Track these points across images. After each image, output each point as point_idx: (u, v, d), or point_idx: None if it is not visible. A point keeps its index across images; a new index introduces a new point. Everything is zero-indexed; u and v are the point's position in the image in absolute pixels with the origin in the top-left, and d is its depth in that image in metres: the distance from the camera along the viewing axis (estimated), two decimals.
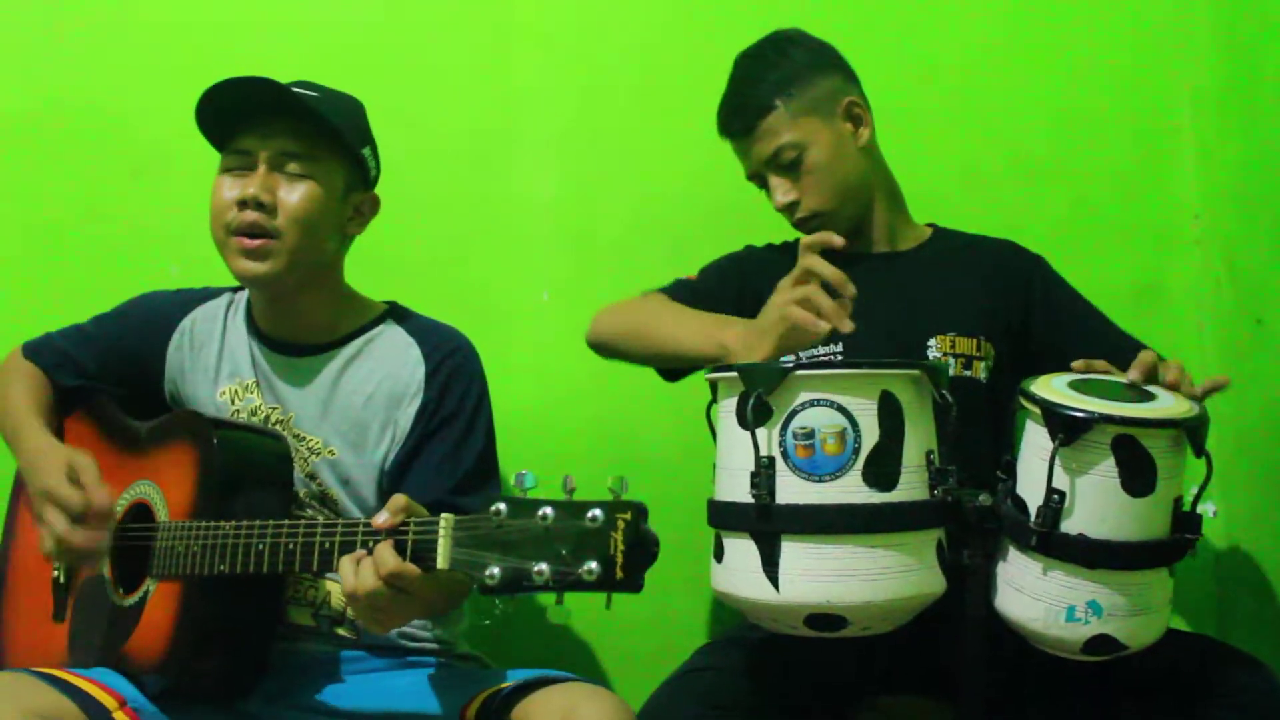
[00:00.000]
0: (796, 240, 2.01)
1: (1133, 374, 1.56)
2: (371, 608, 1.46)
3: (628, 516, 1.29)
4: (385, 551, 1.44)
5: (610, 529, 1.29)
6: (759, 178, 1.97)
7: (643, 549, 1.29)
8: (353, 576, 1.45)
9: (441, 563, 1.39)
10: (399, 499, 1.48)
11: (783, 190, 1.92)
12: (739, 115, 1.95)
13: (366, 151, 1.83)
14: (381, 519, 1.46)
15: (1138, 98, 2.34)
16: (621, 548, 1.28)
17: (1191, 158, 2.30)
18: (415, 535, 1.43)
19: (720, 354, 1.64)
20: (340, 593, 1.72)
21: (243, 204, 1.72)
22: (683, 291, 1.94)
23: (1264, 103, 2.08)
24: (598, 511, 1.29)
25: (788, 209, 1.93)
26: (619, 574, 1.28)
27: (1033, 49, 2.37)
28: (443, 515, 1.41)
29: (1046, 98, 2.36)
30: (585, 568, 1.28)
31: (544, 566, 1.30)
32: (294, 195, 1.73)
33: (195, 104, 1.74)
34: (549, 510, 1.31)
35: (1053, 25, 2.38)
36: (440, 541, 1.40)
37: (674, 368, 1.89)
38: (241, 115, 1.75)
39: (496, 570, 1.32)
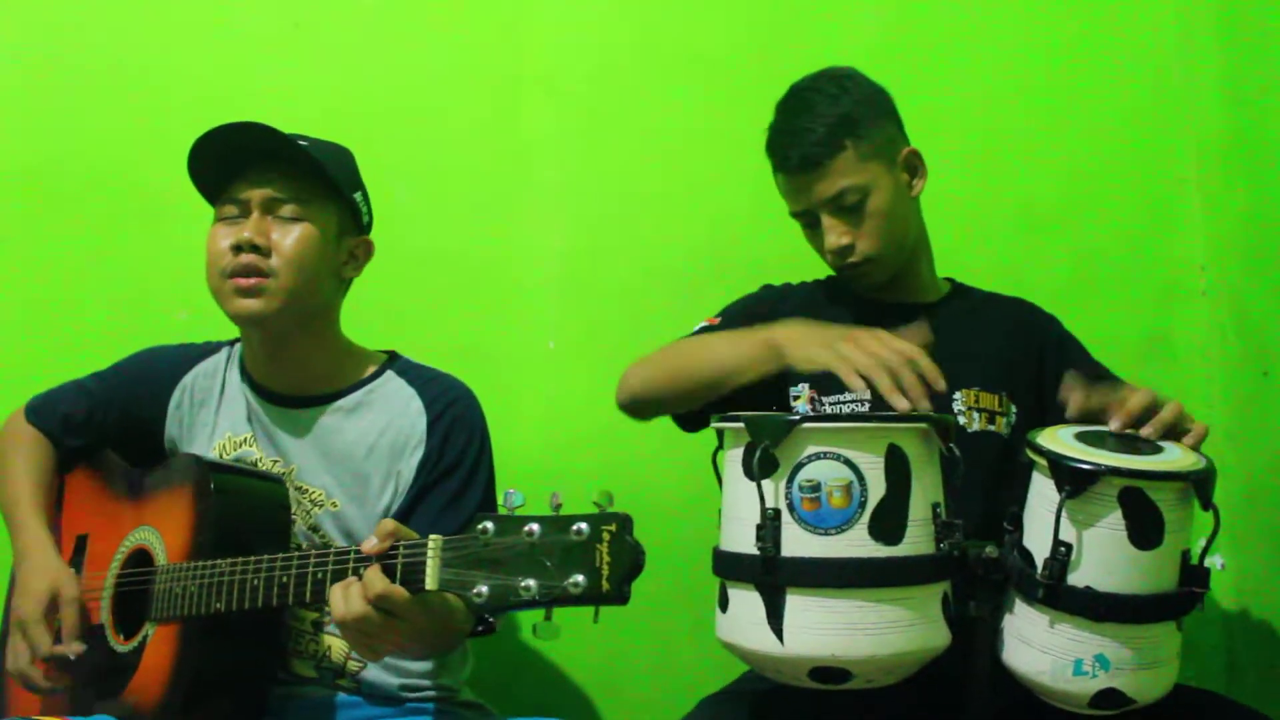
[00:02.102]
0: (820, 280, 2.02)
1: (1113, 424, 1.57)
2: (361, 633, 1.45)
3: (613, 528, 1.29)
4: (373, 575, 1.43)
5: (596, 541, 1.29)
6: (809, 215, 1.90)
7: (629, 560, 1.29)
8: (341, 603, 1.44)
9: (430, 583, 1.38)
10: (387, 523, 1.47)
11: (838, 232, 1.86)
12: (804, 152, 1.85)
13: (358, 196, 1.84)
14: (370, 544, 1.45)
15: (1144, 151, 2.36)
16: (607, 559, 1.28)
17: (1198, 210, 2.31)
18: (404, 558, 1.43)
19: (767, 350, 1.63)
20: (340, 647, 1.73)
21: (237, 248, 1.72)
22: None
23: (1270, 155, 2.09)
24: (583, 525, 1.29)
25: (840, 251, 1.87)
26: (605, 586, 1.28)
27: (1040, 103, 2.39)
28: (430, 537, 1.40)
29: (1054, 151, 2.37)
30: (571, 581, 1.28)
31: (531, 582, 1.30)
32: (288, 237, 1.74)
33: (186, 160, 1.76)
34: (535, 526, 1.31)
35: (1060, 79, 2.39)
36: (429, 563, 1.39)
37: (721, 395, 1.80)
38: (232, 165, 1.77)
39: (485, 588, 1.32)
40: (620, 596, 1.28)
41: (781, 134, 1.91)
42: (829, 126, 1.85)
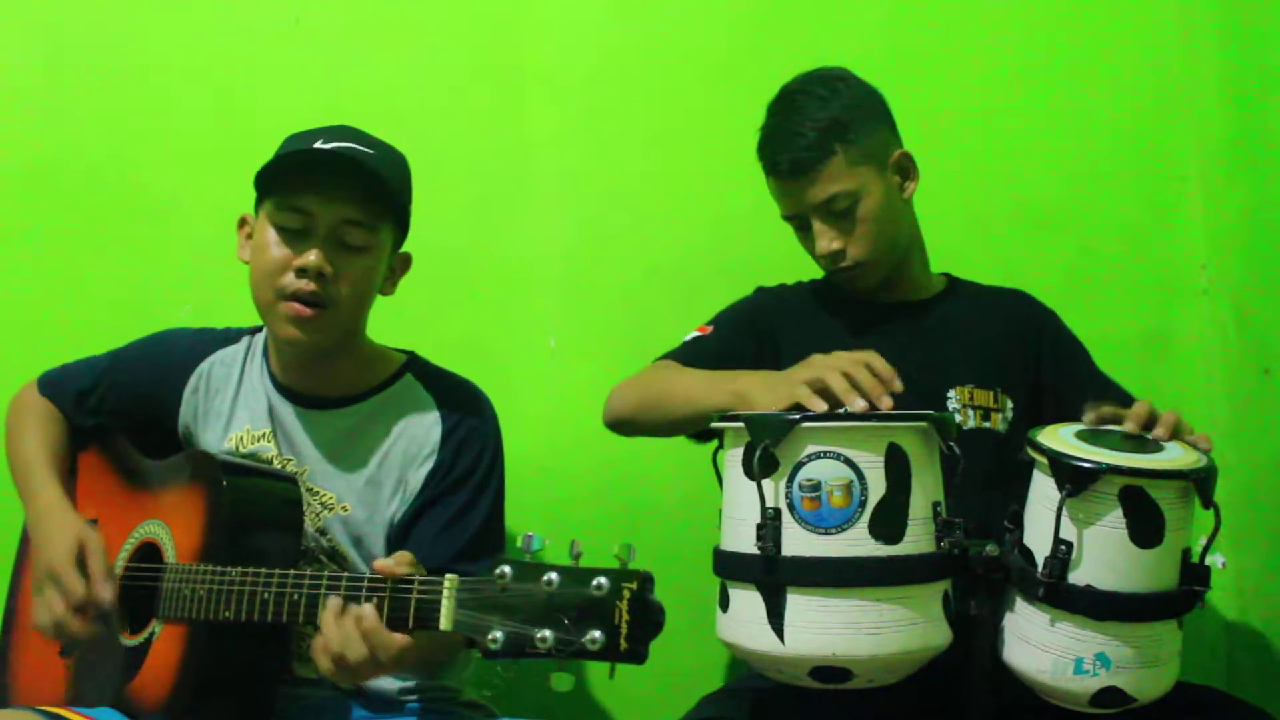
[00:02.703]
0: (814, 281, 2.01)
1: (1128, 425, 1.56)
2: (342, 663, 1.44)
3: (634, 586, 1.27)
4: (370, 610, 1.42)
5: (615, 598, 1.27)
6: (800, 219, 1.90)
7: (648, 619, 1.27)
8: (335, 630, 1.43)
9: (445, 624, 1.37)
10: (405, 555, 1.46)
11: (828, 238, 1.86)
12: (794, 157, 1.84)
13: (409, 209, 1.82)
14: (385, 564, 1.44)
15: (1145, 148, 2.36)
16: (626, 618, 1.26)
17: (1199, 208, 2.31)
18: (419, 595, 1.41)
19: (738, 402, 1.60)
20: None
21: (302, 271, 1.67)
22: (698, 349, 1.90)
23: (1271, 153, 2.09)
24: (603, 580, 1.27)
25: (831, 256, 1.87)
26: (623, 644, 1.26)
27: (1041, 100, 2.39)
28: (447, 576, 1.38)
29: (1055, 148, 2.37)
30: (589, 637, 1.26)
31: (547, 633, 1.28)
32: (353, 268, 1.70)
33: (266, 161, 1.70)
34: (554, 576, 1.29)
35: (1061, 76, 2.39)
36: (444, 602, 1.37)
37: (696, 430, 1.83)
38: (305, 173, 1.69)
39: (500, 634, 1.30)
40: (638, 656, 1.27)
41: (772, 138, 1.90)
42: (819, 131, 1.84)
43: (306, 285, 1.67)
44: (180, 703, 1.60)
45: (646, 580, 1.28)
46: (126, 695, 1.65)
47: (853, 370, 1.51)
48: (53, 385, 1.92)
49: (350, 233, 1.70)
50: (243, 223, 1.80)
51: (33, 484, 1.82)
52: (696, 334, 1.95)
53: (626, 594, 1.27)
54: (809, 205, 1.86)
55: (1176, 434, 1.57)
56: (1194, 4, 2.33)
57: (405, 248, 1.86)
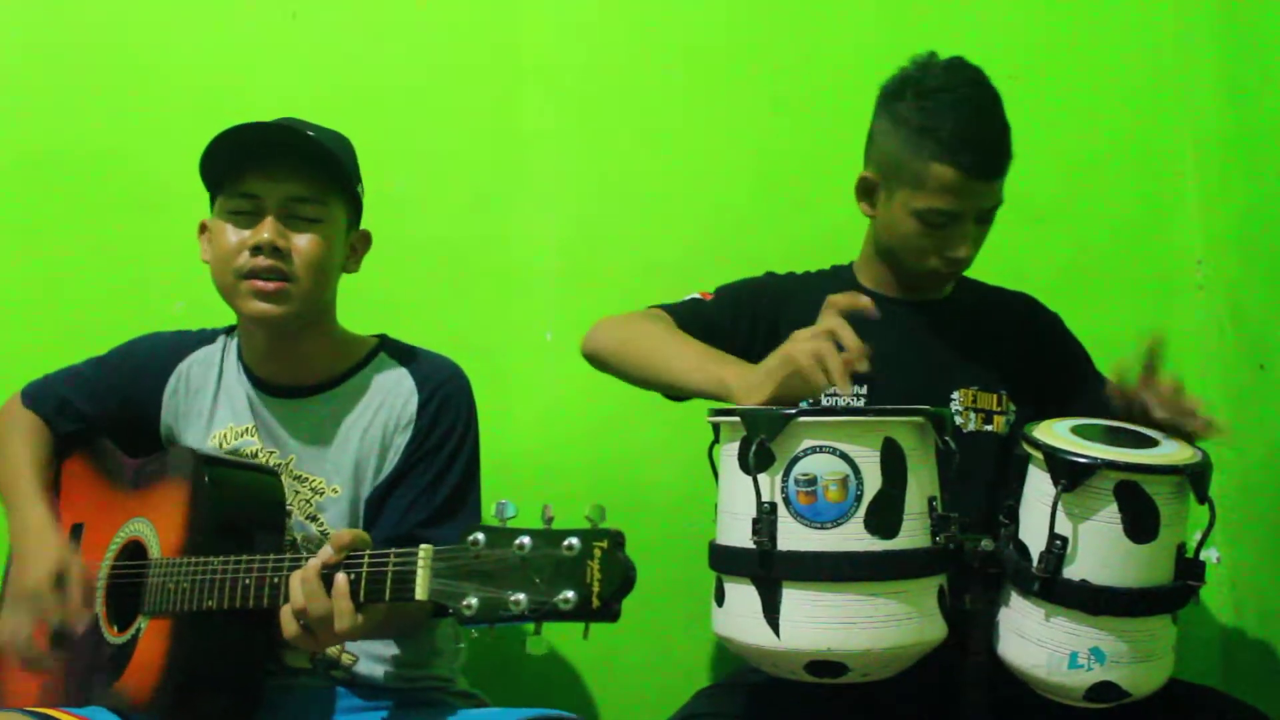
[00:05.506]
0: (825, 271, 2.01)
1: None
2: (307, 629, 1.48)
3: (604, 545, 1.28)
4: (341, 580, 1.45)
5: (587, 557, 1.28)
6: (950, 216, 1.77)
7: (620, 577, 1.28)
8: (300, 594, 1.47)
9: (420, 593, 1.38)
10: (343, 535, 1.49)
11: (968, 244, 1.80)
12: (999, 160, 1.77)
13: (359, 189, 1.83)
14: (325, 554, 1.47)
15: (1141, 144, 2.35)
16: (598, 576, 1.28)
17: (1195, 203, 2.31)
18: (395, 566, 1.43)
19: (719, 391, 1.58)
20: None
21: (256, 249, 1.69)
22: (695, 311, 1.87)
23: (1267, 149, 2.08)
24: (574, 540, 1.29)
25: (962, 261, 1.82)
26: (595, 603, 1.28)
27: (1037, 96, 2.38)
28: (421, 546, 1.40)
29: (1051, 144, 2.36)
30: (561, 596, 1.27)
31: (521, 596, 1.29)
32: (306, 241, 1.72)
33: (202, 150, 1.72)
34: (526, 540, 1.31)
35: (1057, 71, 2.39)
36: (419, 572, 1.39)
37: (668, 395, 1.81)
38: (245, 158, 1.73)
39: (474, 600, 1.32)
40: (610, 614, 1.28)
41: (973, 137, 1.76)
42: (1007, 136, 1.79)
43: (264, 261, 1.70)
44: (167, 696, 1.61)
45: (617, 538, 1.30)
46: (115, 692, 1.66)
47: (825, 354, 1.47)
48: (35, 396, 1.93)
49: (299, 207, 1.73)
50: (203, 228, 1.82)
51: (19, 498, 1.83)
52: (697, 296, 1.92)
53: (598, 552, 1.28)
54: (980, 208, 1.79)
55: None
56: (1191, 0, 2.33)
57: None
